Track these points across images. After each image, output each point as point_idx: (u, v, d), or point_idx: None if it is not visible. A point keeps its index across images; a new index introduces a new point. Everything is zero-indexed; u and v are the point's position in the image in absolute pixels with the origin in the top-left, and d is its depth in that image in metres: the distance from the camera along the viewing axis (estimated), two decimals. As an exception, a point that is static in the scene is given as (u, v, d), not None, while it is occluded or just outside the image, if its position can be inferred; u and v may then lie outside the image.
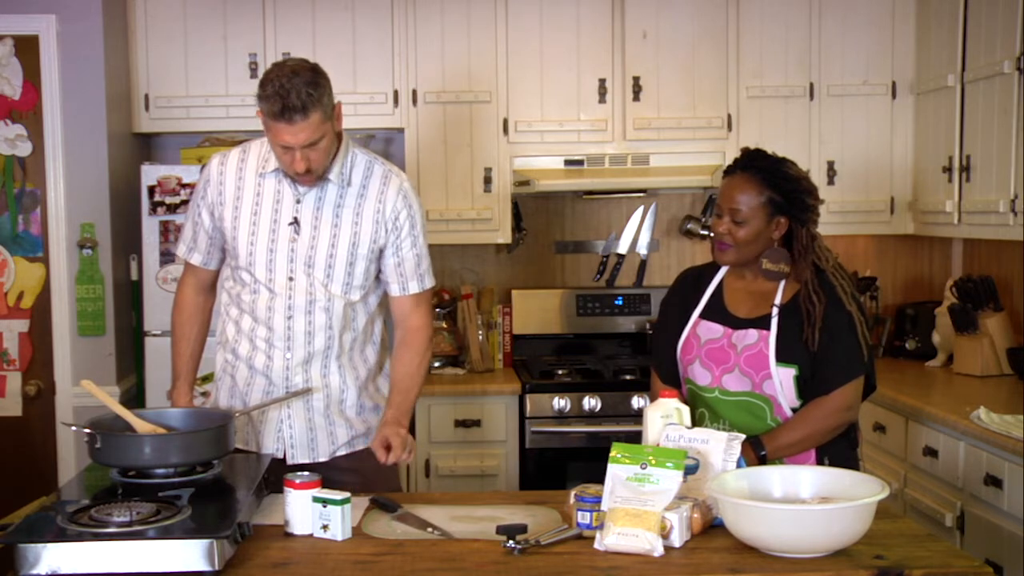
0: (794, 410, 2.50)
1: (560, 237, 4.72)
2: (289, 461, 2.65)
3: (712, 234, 2.62)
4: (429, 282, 2.76)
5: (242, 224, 2.62)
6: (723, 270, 2.65)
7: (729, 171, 2.57)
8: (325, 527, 2.15)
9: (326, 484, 2.24)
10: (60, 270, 3.96)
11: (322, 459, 2.67)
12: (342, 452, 2.70)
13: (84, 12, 3.92)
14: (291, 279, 2.60)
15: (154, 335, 3.97)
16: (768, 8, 4.30)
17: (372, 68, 4.25)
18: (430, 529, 2.20)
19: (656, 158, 4.31)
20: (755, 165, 2.54)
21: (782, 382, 2.48)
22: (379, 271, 2.71)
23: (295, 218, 2.60)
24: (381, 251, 2.67)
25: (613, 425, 4.03)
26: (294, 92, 2.40)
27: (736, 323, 2.56)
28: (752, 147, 2.63)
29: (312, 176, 2.55)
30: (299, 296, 2.61)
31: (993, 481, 3.05)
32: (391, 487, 2.74)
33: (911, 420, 3.55)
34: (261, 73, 4.08)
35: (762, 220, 2.51)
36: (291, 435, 2.66)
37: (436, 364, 4.37)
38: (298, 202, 2.61)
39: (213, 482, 2.28)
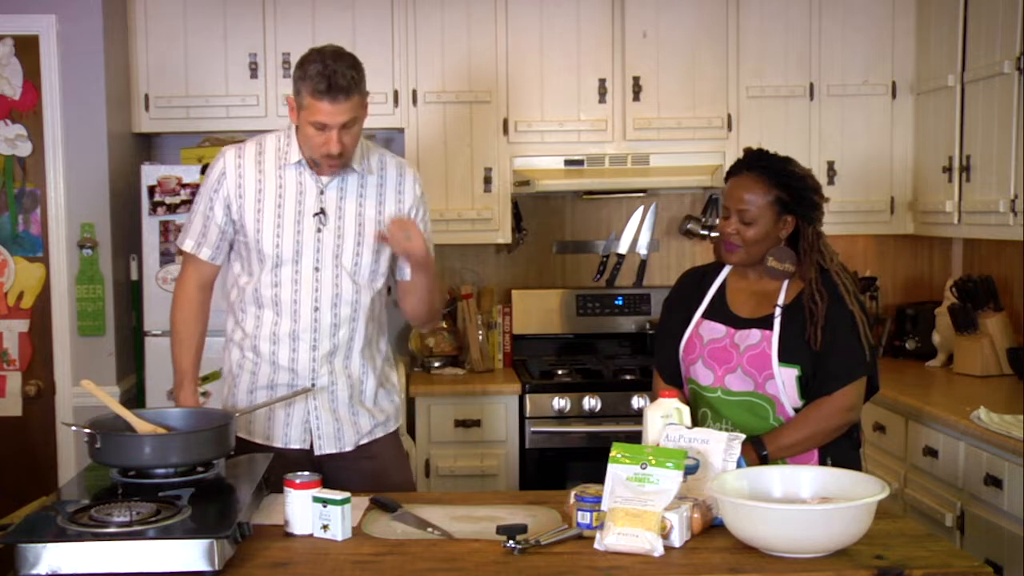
0: (796, 410, 2.50)
1: (560, 237, 4.72)
2: (316, 452, 2.70)
3: (713, 234, 2.62)
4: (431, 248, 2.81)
5: (266, 216, 2.62)
6: (726, 270, 2.65)
7: (734, 171, 2.57)
8: (325, 527, 2.15)
9: (341, 471, 2.24)
10: (60, 270, 3.96)
11: (348, 449, 2.71)
12: (365, 441, 2.74)
13: (84, 12, 3.92)
14: (317, 270, 2.63)
15: (154, 335, 3.97)
16: (768, 8, 4.30)
17: (372, 68, 4.15)
18: (430, 529, 2.20)
19: (656, 158, 4.31)
20: (761, 164, 2.54)
21: (784, 382, 2.48)
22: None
23: (321, 208, 2.63)
24: None
25: (613, 425, 4.03)
26: (340, 72, 2.46)
27: (739, 323, 2.56)
28: (754, 147, 2.63)
29: (341, 160, 2.58)
30: (326, 287, 2.64)
31: (993, 481, 3.05)
32: (404, 478, 2.81)
33: (911, 420, 3.55)
34: (261, 73, 4.19)
35: (770, 219, 2.51)
36: (318, 426, 2.70)
37: (436, 364, 4.37)
38: (322, 193, 2.64)
39: (213, 482, 2.28)
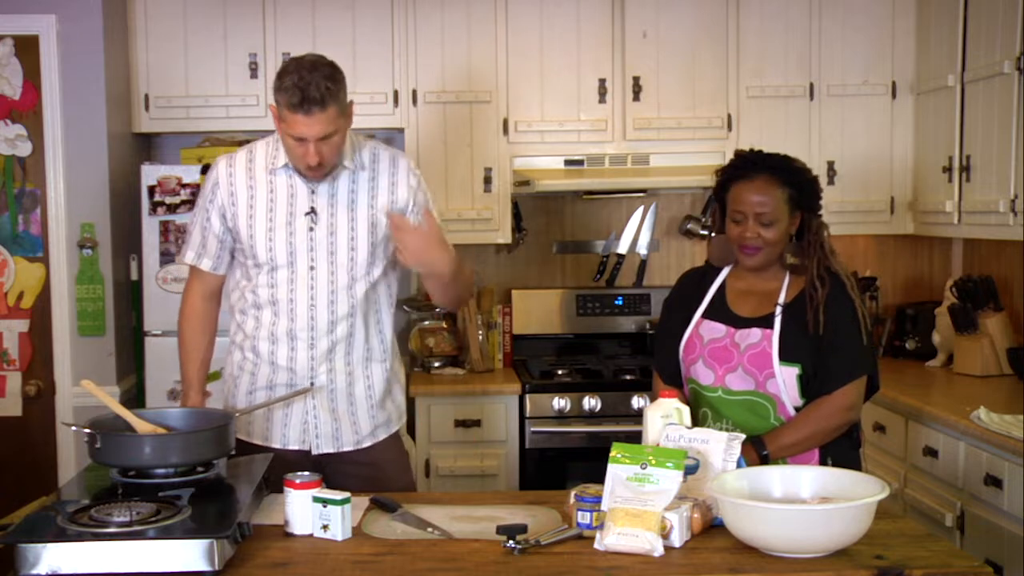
0: (797, 409, 2.50)
1: (560, 237, 4.72)
2: (314, 452, 2.70)
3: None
4: (452, 251, 2.77)
5: (258, 222, 2.64)
6: (725, 270, 2.66)
7: (738, 176, 2.56)
8: (325, 527, 2.15)
9: (340, 476, 2.24)
10: (60, 270, 3.96)
11: (347, 449, 2.71)
12: (367, 444, 2.73)
13: (84, 12, 3.92)
14: (312, 268, 2.64)
15: (154, 335, 3.97)
16: (768, 8, 4.30)
17: (372, 68, 4.24)
18: (430, 529, 2.20)
19: (656, 158, 4.31)
20: (768, 165, 2.54)
21: (785, 381, 2.48)
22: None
23: (312, 207, 2.64)
24: None
25: (613, 425, 4.03)
26: (313, 84, 2.45)
27: (739, 322, 2.56)
28: (746, 148, 2.64)
29: (322, 171, 2.58)
30: (321, 285, 2.64)
31: (993, 481, 3.05)
32: (404, 481, 2.80)
33: (911, 420, 3.55)
34: (261, 73, 4.19)
35: (787, 217, 2.53)
36: (316, 426, 2.70)
37: (436, 364, 4.37)
38: (313, 192, 2.64)
39: (213, 482, 2.28)
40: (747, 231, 2.53)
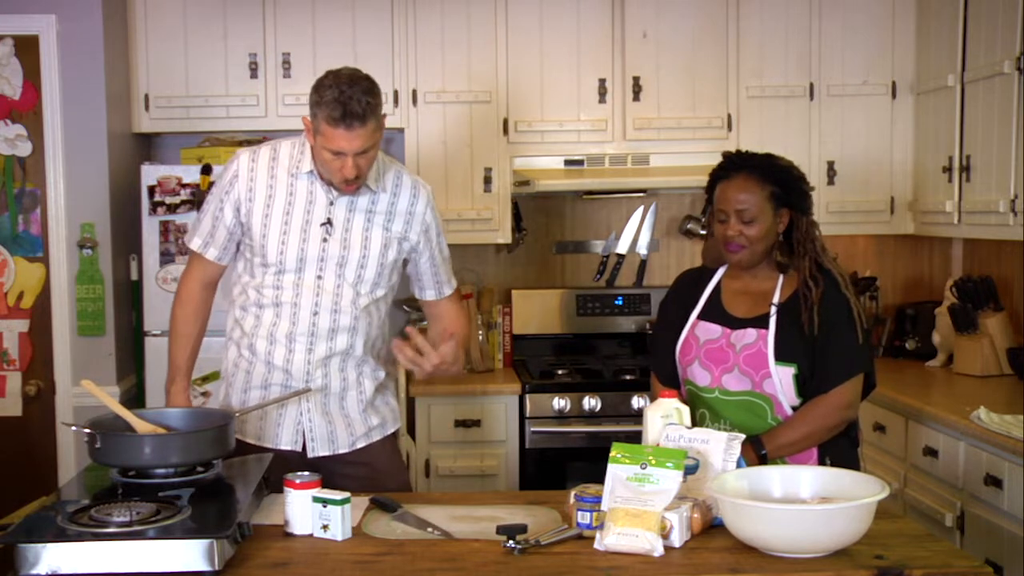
0: (794, 408, 2.50)
1: (560, 237, 4.72)
2: (310, 455, 2.69)
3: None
4: (455, 281, 2.91)
5: (273, 223, 2.63)
6: (720, 271, 2.66)
7: (722, 176, 2.58)
8: (325, 527, 2.16)
9: (337, 477, 2.24)
10: (60, 270, 3.96)
11: (342, 451, 2.71)
12: (361, 444, 2.73)
13: (84, 12, 3.92)
14: (319, 278, 2.64)
15: (154, 335, 3.97)
16: (768, 8, 4.30)
17: (372, 68, 4.13)
18: (430, 529, 2.20)
19: (656, 158, 4.31)
20: (748, 164, 2.56)
21: (782, 381, 2.48)
22: (411, 275, 2.82)
23: (328, 219, 2.64)
24: (406, 260, 2.77)
25: (613, 425, 4.03)
26: (355, 99, 2.45)
27: (734, 323, 2.56)
28: (742, 149, 2.66)
29: (358, 183, 2.59)
30: (326, 295, 2.64)
31: (993, 481, 3.05)
32: (400, 482, 2.79)
33: (911, 420, 3.55)
34: (261, 73, 4.19)
35: (769, 215, 2.53)
36: (311, 428, 2.69)
37: (436, 364, 4.36)
38: (331, 204, 2.64)
39: (213, 482, 2.28)
40: (729, 229, 2.54)
